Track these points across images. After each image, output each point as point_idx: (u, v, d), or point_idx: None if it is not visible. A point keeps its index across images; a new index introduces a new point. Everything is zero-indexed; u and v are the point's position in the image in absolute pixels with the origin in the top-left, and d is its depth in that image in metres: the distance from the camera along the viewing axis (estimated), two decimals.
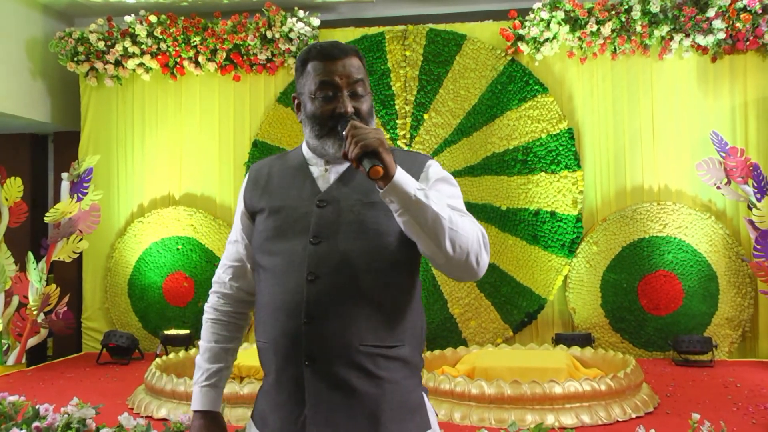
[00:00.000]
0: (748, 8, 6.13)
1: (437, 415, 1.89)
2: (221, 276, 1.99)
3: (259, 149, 6.96)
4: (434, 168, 1.81)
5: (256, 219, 1.87)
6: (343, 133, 1.64)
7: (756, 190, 5.69)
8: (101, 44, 6.96)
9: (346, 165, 1.81)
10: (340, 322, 1.68)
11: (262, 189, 1.88)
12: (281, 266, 1.76)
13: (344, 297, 1.69)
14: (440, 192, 1.71)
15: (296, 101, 1.87)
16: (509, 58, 6.66)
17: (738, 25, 6.16)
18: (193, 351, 5.70)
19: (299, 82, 1.84)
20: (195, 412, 1.88)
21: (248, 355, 5.30)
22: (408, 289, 1.78)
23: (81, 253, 6.84)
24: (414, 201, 1.56)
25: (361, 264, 1.70)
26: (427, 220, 1.57)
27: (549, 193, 6.52)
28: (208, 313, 1.96)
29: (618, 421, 4.16)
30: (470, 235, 1.63)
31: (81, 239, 6.50)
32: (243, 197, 1.93)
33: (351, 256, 1.70)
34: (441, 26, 6.83)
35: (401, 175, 1.57)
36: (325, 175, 1.82)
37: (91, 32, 6.99)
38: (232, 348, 1.95)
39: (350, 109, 1.75)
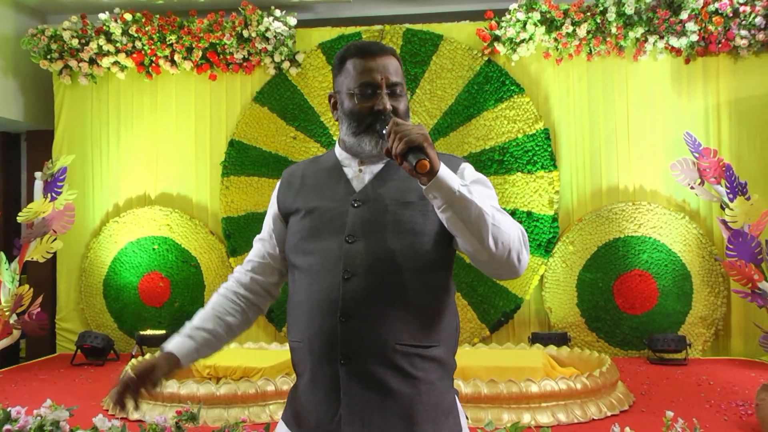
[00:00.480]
0: (720, 11, 6.21)
1: (468, 419, 1.87)
2: (240, 268, 1.99)
3: (236, 149, 6.93)
4: (469, 170, 1.82)
5: (290, 220, 1.87)
6: (384, 131, 1.65)
7: (728, 191, 5.76)
8: (75, 42, 6.88)
9: (380, 165, 1.82)
10: (376, 321, 1.67)
11: (297, 191, 1.88)
12: (316, 265, 1.75)
13: (380, 295, 1.68)
14: (478, 194, 1.68)
15: (332, 100, 1.88)
16: (486, 58, 6.68)
17: (710, 27, 6.24)
18: None
19: (337, 80, 1.85)
20: (160, 350, 1.84)
21: (224, 356, 5.29)
22: (443, 289, 1.78)
23: (55, 253, 6.77)
24: (458, 197, 1.55)
25: (396, 263, 1.70)
26: (470, 216, 1.56)
27: (525, 193, 6.55)
28: (218, 290, 1.96)
29: (594, 419, 4.20)
30: (512, 232, 1.63)
31: (55, 239, 6.42)
32: (276, 199, 1.94)
33: (387, 255, 1.70)
34: (418, 26, 6.84)
35: (445, 171, 1.56)
36: (359, 175, 1.82)
37: (64, 30, 6.91)
38: (226, 321, 1.90)
39: (389, 107, 1.75)
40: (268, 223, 1.97)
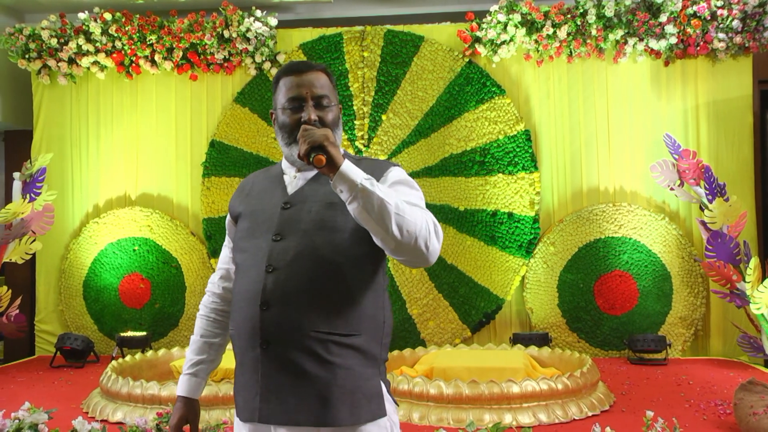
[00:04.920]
0: (698, 14, 6.27)
1: (397, 405, 2.00)
2: (213, 277, 2.20)
3: (216, 149, 6.90)
4: (394, 172, 1.96)
5: (238, 223, 2.07)
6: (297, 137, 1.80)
7: (707, 192, 5.80)
8: (54, 41, 6.83)
9: (314, 172, 1.99)
10: (294, 309, 1.83)
11: (245, 197, 2.10)
12: (248, 261, 1.94)
13: (298, 286, 1.84)
14: (398, 192, 1.84)
15: (273, 116, 2.05)
16: (466, 59, 6.70)
17: (689, 30, 6.30)
18: (149, 353, 5.63)
19: (274, 99, 2.04)
20: (177, 396, 2.10)
21: None
22: (365, 283, 1.91)
23: (34, 255, 6.71)
24: (360, 188, 1.70)
25: (316, 257, 1.86)
26: (373, 206, 1.69)
27: (506, 194, 6.58)
28: (200, 310, 2.18)
29: (575, 419, 4.22)
30: (418, 221, 1.75)
31: (34, 240, 6.37)
32: (229, 205, 2.16)
33: (308, 251, 1.86)
34: (399, 27, 6.84)
35: (348, 166, 1.72)
36: (294, 181, 2.01)
37: (43, 29, 6.84)
38: (216, 343, 2.16)
39: (314, 117, 1.92)
40: (227, 229, 2.18)
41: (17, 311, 6.25)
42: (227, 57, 6.86)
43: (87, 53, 6.89)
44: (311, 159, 1.71)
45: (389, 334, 2.00)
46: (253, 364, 1.87)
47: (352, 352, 1.85)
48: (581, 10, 6.38)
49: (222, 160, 6.89)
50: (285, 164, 2.07)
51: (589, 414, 4.30)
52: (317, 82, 1.97)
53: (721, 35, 6.28)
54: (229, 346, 2.10)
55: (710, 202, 5.77)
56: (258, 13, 6.76)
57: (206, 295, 2.19)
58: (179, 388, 2.11)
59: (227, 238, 2.17)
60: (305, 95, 1.94)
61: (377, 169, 1.93)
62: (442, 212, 6.64)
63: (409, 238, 1.72)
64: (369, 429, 1.84)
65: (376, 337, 1.92)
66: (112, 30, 6.76)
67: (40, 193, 6.37)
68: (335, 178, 1.71)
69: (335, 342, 1.83)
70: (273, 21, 6.77)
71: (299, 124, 1.91)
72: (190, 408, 2.09)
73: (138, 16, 6.86)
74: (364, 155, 6.56)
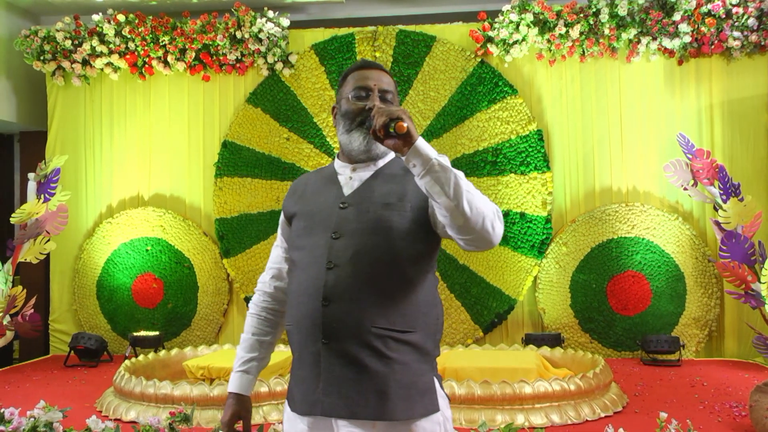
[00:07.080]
0: (713, 13, 6.24)
1: (449, 399, 2.03)
2: (264, 276, 2.22)
3: (229, 150, 6.92)
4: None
5: (293, 223, 2.11)
6: (371, 115, 1.82)
7: (721, 192, 5.77)
8: (68, 43, 6.87)
9: (369, 173, 2.04)
10: (354, 305, 1.87)
11: (298, 197, 2.13)
12: (306, 258, 1.98)
13: (358, 283, 1.87)
14: None
15: (334, 111, 2.12)
16: (479, 59, 6.69)
17: (703, 29, 6.27)
18: (162, 353, 5.66)
19: (339, 93, 2.10)
20: (228, 392, 2.12)
21: (218, 357, 5.29)
22: (419, 281, 1.94)
23: (48, 255, 6.75)
24: (435, 163, 1.71)
25: (374, 256, 1.90)
26: (448, 179, 1.71)
27: (518, 194, 6.56)
28: (250, 309, 2.22)
29: (587, 420, 4.20)
30: (486, 202, 1.79)
31: (48, 240, 6.40)
32: (283, 205, 2.19)
33: (365, 249, 1.90)
34: (411, 27, 6.84)
35: (422, 142, 1.74)
36: (350, 182, 2.04)
37: (57, 31, 6.89)
38: (267, 341, 2.19)
39: (379, 105, 1.92)
40: (279, 229, 2.21)
41: (32, 311, 6.29)
42: (239, 58, 6.88)
43: (101, 54, 6.93)
44: (391, 127, 1.70)
45: (441, 330, 2.04)
46: (314, 358, 1.90)
47: (408, 347, 1.89)
48: (594, 9, 6.36)
49: (234, 160, 6.91)
50: (338, 164, 2.10)
51: (602, 415, 4.28)
52: (385, 79, 2.03)
53: (736, 33, 6.24)
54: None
55: (724, 202, 5.74)
56: (270, 13, 6.78)
57: (257, 294, 2.21)
58: (231, 384, 2.13)
59: (279, 238, 2.20)
60: (373, 87, 2.00)
61: None
62: None
63: (477, 216, 1.74)
64: (422, 424, 1.87)
65: (430, 334, 1.96)
66: (126, 31, 6.80)
67: (54, 194, 6.42)
68: (410, 151, 1.72)
69: (393, 338, 1.87)
70: (285, 21, 6.79)
71: (362, 112, 1.97)
72: (242, 405, 2.10)
73: (151, 17, 6.89)
74: None
